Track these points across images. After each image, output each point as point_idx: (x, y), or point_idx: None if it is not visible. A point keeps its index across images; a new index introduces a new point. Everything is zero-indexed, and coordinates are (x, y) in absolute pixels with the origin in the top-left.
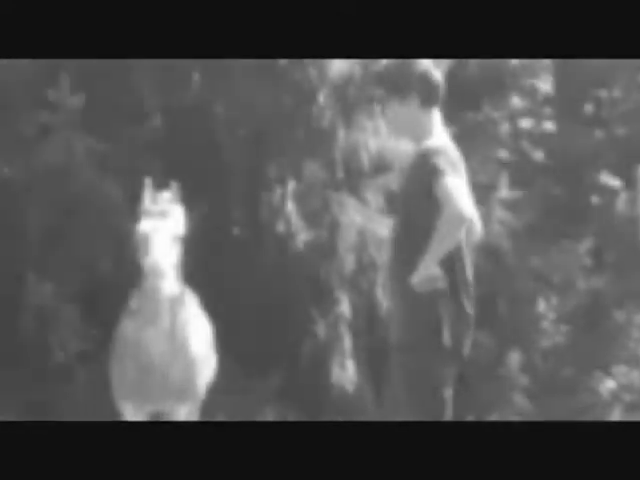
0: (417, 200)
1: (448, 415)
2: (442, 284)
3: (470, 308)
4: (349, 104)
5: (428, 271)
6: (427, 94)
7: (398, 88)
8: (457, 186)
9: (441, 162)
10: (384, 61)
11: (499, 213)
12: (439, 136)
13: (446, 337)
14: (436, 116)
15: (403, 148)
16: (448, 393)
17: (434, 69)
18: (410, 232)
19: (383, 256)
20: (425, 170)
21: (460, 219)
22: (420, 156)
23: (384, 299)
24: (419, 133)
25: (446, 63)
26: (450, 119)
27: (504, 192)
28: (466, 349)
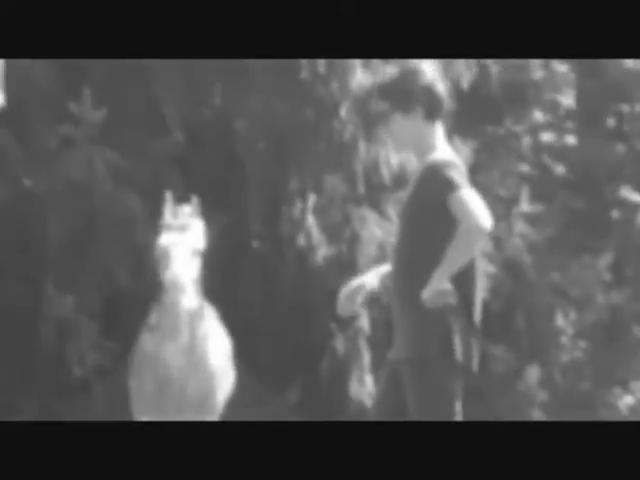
0: (428, 213)
1: None
2: (453, 299)
3: (478, 322)
4: (370, 118)
5: (440, 286)
6: (431, 107)
7: (402, 101)
8: (474, 198)
9: (455, 175)
10: (387, 74)
11: (520, 227)
12: (443, 150)
13: (457, 351)
14: (439, 129)
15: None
16: (459, 406)
17: (438, 82)
18: (419, 245)
19: None
20: (437, 183)
21: (479, 232)
22: (429, 168)
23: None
24: (423, 147)
25: (468, 76)
26: (472, 132)
27: (525, 206)
28: (476, 363)
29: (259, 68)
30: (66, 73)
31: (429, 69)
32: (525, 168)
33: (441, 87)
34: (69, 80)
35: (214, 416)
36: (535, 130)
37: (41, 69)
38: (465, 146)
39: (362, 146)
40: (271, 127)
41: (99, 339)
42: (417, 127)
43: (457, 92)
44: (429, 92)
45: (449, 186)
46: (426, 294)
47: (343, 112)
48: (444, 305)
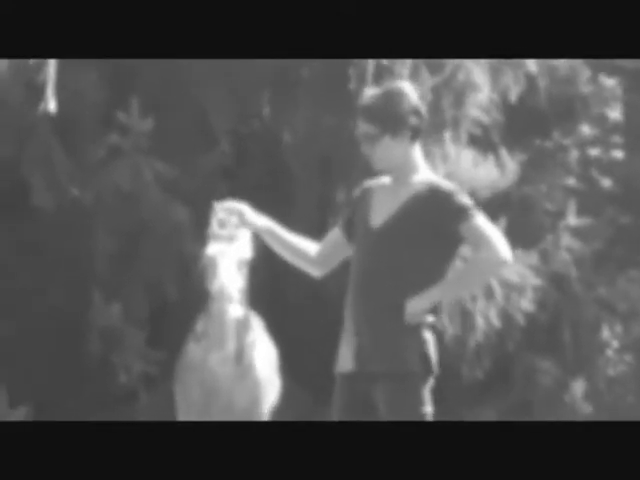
0: (428, 233)
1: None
2: (431, 318)
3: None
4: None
5: (429, 303)
6: (417, 129)
7: (392, 124)
8: (492, 227)
9: (469, 201)
10: (370, 97)
11: (566, 240)
12: (425, 170)
13: (433, 366)
14: (419, 149)
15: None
16: (427, 410)
17: (421, 103)
18: (414, 263)
19: None
20: (448, 207)
21: (501, 263)
22: (434, 191)
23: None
24: (408, 167)
25: (516, 90)
26: (519, 146)
27: (572, 220)
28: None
29: (307, 80)
30: (114, 83)
31: (411, 90)
32: (572, 182)
33: (424, 108)
34: (117, 90)
35: None
36: (582, 144)
37: (90, 79)
38: (512, 159)
39: None
40: (319, 139)
41: (145, 348)
42: (404, 148)
43: (505, 105)
44: (416, 114)
45: (465, 212)
46: (413, 309)
47: None
48: (422, 321)
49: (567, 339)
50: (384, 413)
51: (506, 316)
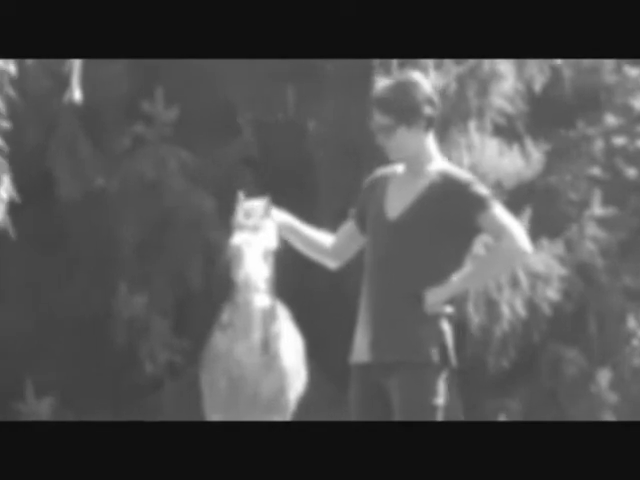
0: (446, 223)
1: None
2: (449, 309)
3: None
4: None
5: (450, 294)
6: (431, 118)
7: (407, 115)
8: (511, 218)
9: (486, 192)
10: (383, 87)
11: (591, 230)
12: (440, 159)
13: (452, 358)
14: (432, 138)
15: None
16: (440, 401)
17: (434, 92)
18: (433, 252)
19: None
20: (466, 198)
21: (521, 253)
22: (450, 181)
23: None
24: (423, 156)
25: (541, 79)
26: (544, 135)
27: (596, 209)
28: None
29: (331, 69)
30: (139, 73)
31: (424, 80)
32: (597, 171)
33: (436, 97)
34: (142, 80)
35: (286, 415)
36: (607, 133)
37: (115, 69)
38: (537, 149)
39: None
40: (343, 128)
41: (171, 337)
42: (419, 138)
43: (530, 95)
44: (430, 103)
45: (482, 202)
46: (433, 299)
47: None
48: (440, 312)
49: (593, 329)
50: (396, 402)
51: (532, 306)
